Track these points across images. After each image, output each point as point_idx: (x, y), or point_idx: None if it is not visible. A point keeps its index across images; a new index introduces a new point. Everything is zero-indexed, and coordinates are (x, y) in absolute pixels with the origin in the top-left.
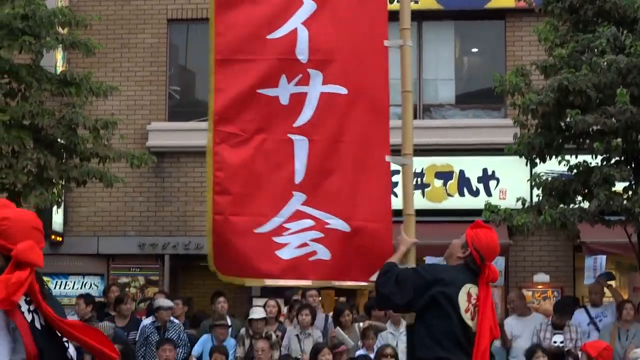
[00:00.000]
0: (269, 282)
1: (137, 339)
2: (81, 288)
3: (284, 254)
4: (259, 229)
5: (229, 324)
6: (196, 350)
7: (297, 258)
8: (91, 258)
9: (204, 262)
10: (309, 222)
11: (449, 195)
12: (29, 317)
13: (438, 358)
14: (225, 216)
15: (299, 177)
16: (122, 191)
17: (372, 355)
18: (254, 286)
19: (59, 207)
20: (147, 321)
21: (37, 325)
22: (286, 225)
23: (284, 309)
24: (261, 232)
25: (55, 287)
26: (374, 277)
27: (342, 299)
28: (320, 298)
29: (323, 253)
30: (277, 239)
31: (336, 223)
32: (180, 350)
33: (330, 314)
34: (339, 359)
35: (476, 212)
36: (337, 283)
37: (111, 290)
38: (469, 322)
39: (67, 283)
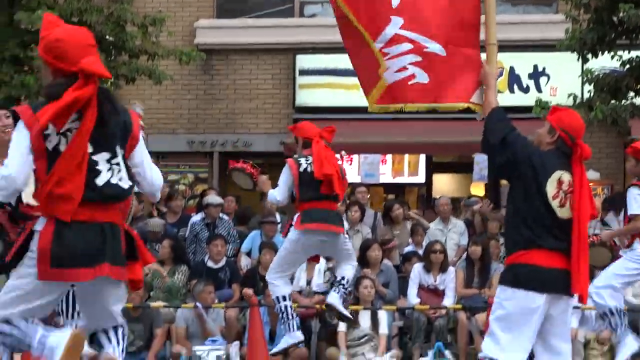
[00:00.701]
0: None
1: (186, 236)
2: None
3: (389, 78)
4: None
5: (278, 220)
6: (245, 246)
7: (397, 82)
8: None
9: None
10: (407, 46)
11: (499, 92)
12: (54, 140)
13: (527, 240)
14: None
15: (396, 1)
16: (171, 89)
17: (420, 252)
18: None
19: None
20: (196, 218)
21: (61, 148)
22: (385, 50)
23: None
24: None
25: None
26: (474, 98)
27: (391, 196)
28: (369, 195)
29: (421, 76)
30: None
31: (434, 47)
32: (230, 247)
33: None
34: (388, 255)
35: (526, 109)
36: (436, 105)
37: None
38: (557, 209)
39: None
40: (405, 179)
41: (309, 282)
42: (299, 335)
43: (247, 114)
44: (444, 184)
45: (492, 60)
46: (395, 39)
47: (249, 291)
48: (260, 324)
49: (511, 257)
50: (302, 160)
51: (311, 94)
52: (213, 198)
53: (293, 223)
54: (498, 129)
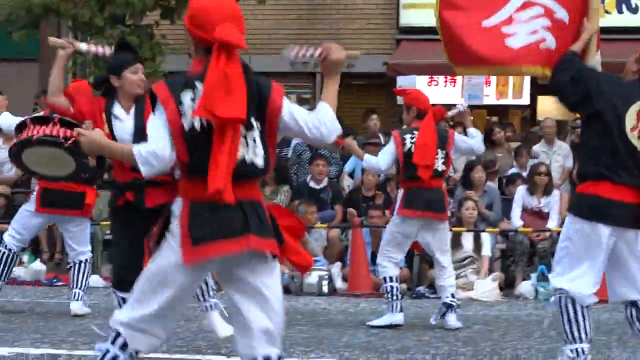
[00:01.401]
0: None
1: (289, 156)
2: None
3: (514, 43)
4: (486, 21)
5: (382, 141)
6: (348, 166)
7: (528, 46)
8: None
9: (355, 81)
10: (539, 10)
11: (606, 12)
12: (189, 118)
13: (599, 175)
14: (452, 11)
15: None
16: (274, 8)
17: (524, 174)
18: None
19: None
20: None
21: (197, 126)
22: (515, 16)
23: None
24: (489, 25)
25: None
26: None
27: (495, 118)
28: (471, 117)
29: (550, 41)
30: (506, 29)
31: (561, 14)
32: (333, 168)
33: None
34: (491, 178)
35: (635, 30)
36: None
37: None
38: (635, 142)
39: None
40: (509, 100)
41: None
42: (399, 318)
43: (350, 34)
44: (549, 106)
45: (594, 18)
46: (527, 4)
47: (352, 211)
48: (363, 245)
49: (581, 186)
50: (407, 138)
51: (416, 14)
52: None
53: (396, 200)
54: (566, 68)
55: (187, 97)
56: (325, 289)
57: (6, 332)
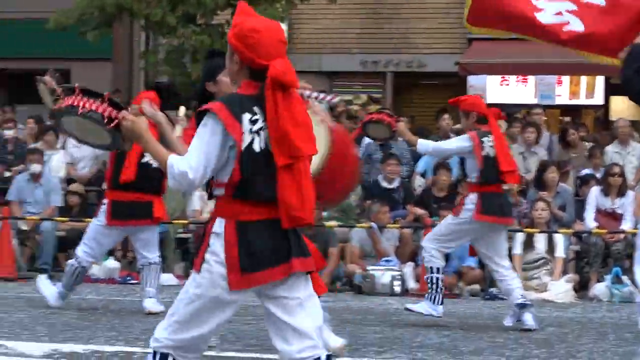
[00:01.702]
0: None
1: (360, 155)
2: None
3: (543, 18)
4: None
5: None
6: (420, 167)
7: (553, 25)
8: (314, 75)
9: (427, 80)
10: None
11: None
12: (247, 139)
13: None
14: None
15: None
16: (345, 8)
17: (598, 175)
18: None
19: (283, 22)
20: None
21: (255, 148)
22: None
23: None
24: None
25: None
26: (622, 54)
27: (567, 118)
28: (544, 117)
29: (576, 24)
30: (536, 2)
31: None
32: (404, 167)
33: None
34: (564, 179)
35: None
36: (587, 54)
37: (336, 106)
38: None
39: None
40: (581, 100)
41: None
42: (439, 310)
43: (421, 33)
44: (622, 106)
45: None
46: None
47: (417, 211)
48: None
49: None
50: (485, 140)
51: None
52: None
53: (465, 203)
54: (634, 59)
55: (246, 119)
56: (397, 289)
57: (81, 330)
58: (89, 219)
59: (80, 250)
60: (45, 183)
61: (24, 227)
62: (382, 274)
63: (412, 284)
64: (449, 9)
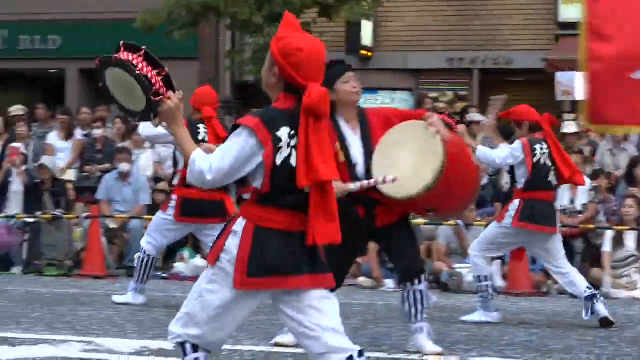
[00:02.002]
0: None
1: None
2: (390, 103)
3: None
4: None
5: None
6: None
7: None
8: (400, 73)
9: (512, 77)
10: None
11: None
12: (284, 153)
13: None
14: (602, 64)
15: None
16: (432, 5)
17: None
18: (564, 101)
19: (368, 21)
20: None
21: (292, 162)
22: None
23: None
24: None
25: (364, 102)
26: None
27: None
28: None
29: None
30: None
31: None
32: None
33: None
34: None
35: None
36: None
37: (424, 103)
38: None
39: (377, 98)
40: None
41: (572, 201)
42: (495, 315)
43: (507, 30)
44: None
45: None
46: None
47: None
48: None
49: None
50: (537, 148)
51: (575, 9)
52: (475, 115)
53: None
54: None
55: (285, 133)
56: None
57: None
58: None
59: (145, 241)
60: (133, 182)
61: (113, 226)
62: (469, 272)
63: (499, 282)
64: (537, 4)
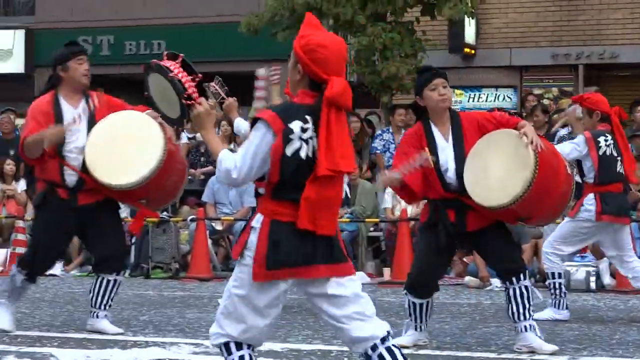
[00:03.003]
0: None
1: None
2: (494, 100)
3: None
4: None
5: None
6: None
7: None
8: (504, 70)
9: (619, 71)
10: None
11: None
12: (295, 145)
13: None
14: None
15: None
16: (535, 1)
17: None
18: None
19: (471, 18)
20: (563, 131)
21: (302, 154)
22: None
23: None
24: None
25: (468, 100)
26: None
27: None
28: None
29: None
30: None
31: None
32: None
33: None
34: None
35: None
36: None
37: (527, 100)
38: None
39: (481, 96)
40: None
41: None
42: (565, 314)
43: (613, 24)
44: None
45: None
46: None
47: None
48: (633, 239)
49: None
50: (601, 140)
51: None
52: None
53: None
54: None
55: (297, 126)
56: (593, 285)
57: (278, 329)
58: None
59: None
60: None
61: (219, 228)
62: (577, 270)
63: (607, 280)
64: None
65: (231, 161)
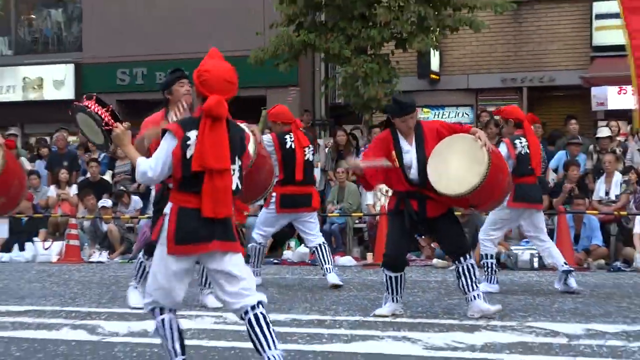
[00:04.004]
0: None
1: None
2: (455, 117)
3: None
4: None
5: (580, 141)
6: (552, 164)
7: None
8: (463, 92)
9: (557, 92)
10: None
11: None
12: (192, 149)
13: None
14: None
15: None
16: (487, 35)
17: None
18: (598, 110)
19: (436, 50)
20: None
21: (188, 155)
22: None
23: (626, 128)
24: None
25: (433, 117)
26: None
27: None
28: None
29: None
30: None
31: None
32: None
33: None
34: None
35: None
36: None
37: (482, 116)
38: None
39: (444, 113)
40: None
41: (607, 193)
42: (495, 287)
43: (550, 54)
44: None
45: None
46: None
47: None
48: (567, 228)
49: None
50: (517, 143)
51: (607, 35)
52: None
53: None
54: None
55: (193, 134)
56: (536, 264)
57: (282, 302)
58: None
59: (255, 233)
60: None
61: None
62: (523, 253)
63: (548, 260)
64: (574, 32)
65: (147, 165)
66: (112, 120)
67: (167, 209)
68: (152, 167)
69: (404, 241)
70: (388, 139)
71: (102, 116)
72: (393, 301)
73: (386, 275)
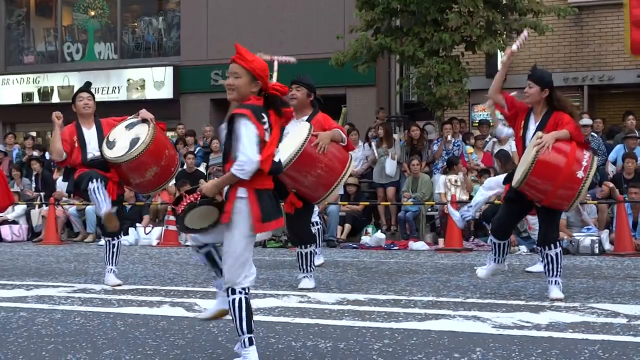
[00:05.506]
0: None
1: None
2: None
3: None
4: None
5: (638, 135)
6: (611, 156)
7: None
8: None
9: (614, 90)
10: None
11: None
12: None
13: None
14: None
15: None
16: (550, 38)
17: None
18: None
19: (502, 51)
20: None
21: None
22: None
23: None
24: None
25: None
26: None
27: None
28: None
29: None
30: None
31: None
32: (599, 158)
33: None
34: None
35: None
36: None
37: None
38: None
39: None
40: None
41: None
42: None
43: (610, 54)
44: None
45: None
46: None
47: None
48: (625, 215)
49: None
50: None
51: None
52: (585, 120)
53: None
54: None
55: (264, 119)
56: (596, 250)
57: (361, 284)
58: (364, 202)
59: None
60: None
61: (315, 209)
62: (584, 239)
63: (607, 246)
64: None
65: (254, 155)
66: (193, 196)
67: (242, 193)
68: (250, 159)
69: (510, 213)
70: (524, 109)
71: (196, 197)
72: (495, 262)
73: (492, 240)
